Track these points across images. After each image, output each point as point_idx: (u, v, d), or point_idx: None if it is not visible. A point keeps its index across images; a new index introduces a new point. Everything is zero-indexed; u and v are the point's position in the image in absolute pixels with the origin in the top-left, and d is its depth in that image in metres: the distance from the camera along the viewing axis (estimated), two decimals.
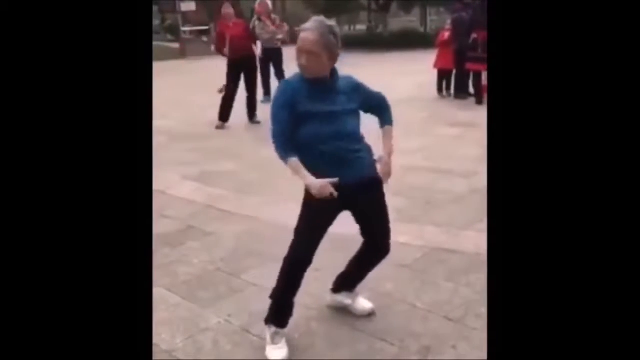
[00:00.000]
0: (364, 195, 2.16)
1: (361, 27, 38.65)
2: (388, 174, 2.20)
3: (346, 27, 40.35)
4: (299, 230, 2.16)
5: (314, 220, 2.13)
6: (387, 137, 2.27)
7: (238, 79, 6.84)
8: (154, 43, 22.80)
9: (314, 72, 2.08)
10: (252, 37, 7.16)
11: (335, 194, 2.01)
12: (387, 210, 2.27)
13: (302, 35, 2.07)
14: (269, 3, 7.43)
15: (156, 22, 31.37)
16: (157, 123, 7.08)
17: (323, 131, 2.07)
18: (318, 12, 32.30)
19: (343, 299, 2.45)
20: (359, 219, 2.26)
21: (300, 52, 2.07)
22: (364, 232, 2.29)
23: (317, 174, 2.05)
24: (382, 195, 2.23)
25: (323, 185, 2.01)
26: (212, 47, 7.94)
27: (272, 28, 7.97)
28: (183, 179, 4.74)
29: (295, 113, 2.06)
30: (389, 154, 2.22)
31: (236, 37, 6.77)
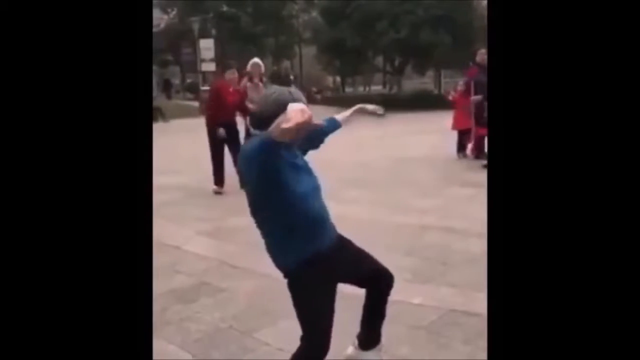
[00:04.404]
0: (339, 254, 2.04)
1: (376, 88, 39.58)
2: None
3: (361, 88, 41.36)
4: (304, 320, 1.96)
5: (316, 303, 1.96)
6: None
7: (223, 143, 6.56)
8: (175, 101, 23.64)
9: None
10: (244, 109, 6.54)
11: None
12: (358, 247, 2.15)
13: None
14: (261, 64, 7.36)
15: (177, 81, 32.46)
16: (173, 179, 7.27)
17: (308, 185, 1.92)
18: (334, 73, 33.29)
19: (373, 356, 2.32)
20: (347, 278, 2.12)
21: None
22: (360, 280, 2.17)
23: (297, 239, 1.91)
24: (349, 242, 2.13)
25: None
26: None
27: (264, 90, 7.78)
28: (197, 234, 4.76)
29: (277, 164, 1.78)
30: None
31: (232, 104, 6.52)
